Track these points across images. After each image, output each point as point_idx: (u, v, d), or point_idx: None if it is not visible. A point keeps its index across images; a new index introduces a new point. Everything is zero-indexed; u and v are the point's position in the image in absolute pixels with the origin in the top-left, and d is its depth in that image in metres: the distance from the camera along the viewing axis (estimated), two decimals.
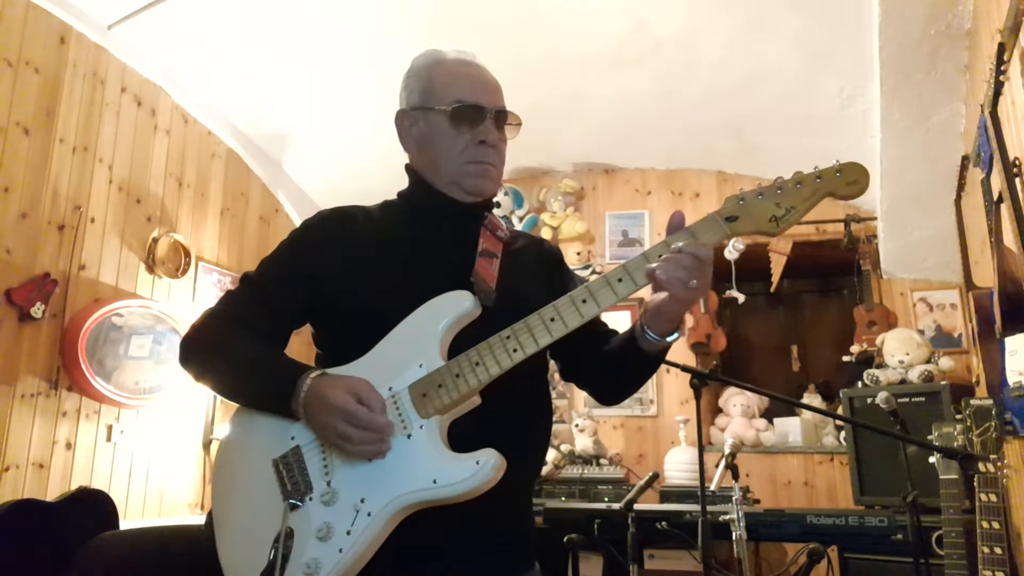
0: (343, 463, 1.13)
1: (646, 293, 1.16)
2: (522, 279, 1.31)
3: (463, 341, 1.16)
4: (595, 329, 1.33)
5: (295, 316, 1.31)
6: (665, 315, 1.18)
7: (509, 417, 1.19)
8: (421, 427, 1.11)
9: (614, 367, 1.34)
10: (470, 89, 1.30)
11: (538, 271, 1.38)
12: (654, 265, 1.11)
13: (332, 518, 1.10)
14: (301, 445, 1.16)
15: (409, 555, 1.13)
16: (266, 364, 1.21)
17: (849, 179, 1.10)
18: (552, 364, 1.42)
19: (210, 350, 1.25)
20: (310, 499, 1.13)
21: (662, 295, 1.15)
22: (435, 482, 1.07)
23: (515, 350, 1.12)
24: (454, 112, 1.27)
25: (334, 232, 1.30)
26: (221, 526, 1.21)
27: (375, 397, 1.11)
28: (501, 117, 1.31)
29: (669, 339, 1.21)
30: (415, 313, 1.18)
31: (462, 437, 1.13)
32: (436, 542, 1.14)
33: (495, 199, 1.38)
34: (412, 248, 1.29)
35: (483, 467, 1.06)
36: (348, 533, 1.08)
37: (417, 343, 1.16)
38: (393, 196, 1.40)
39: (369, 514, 1.08)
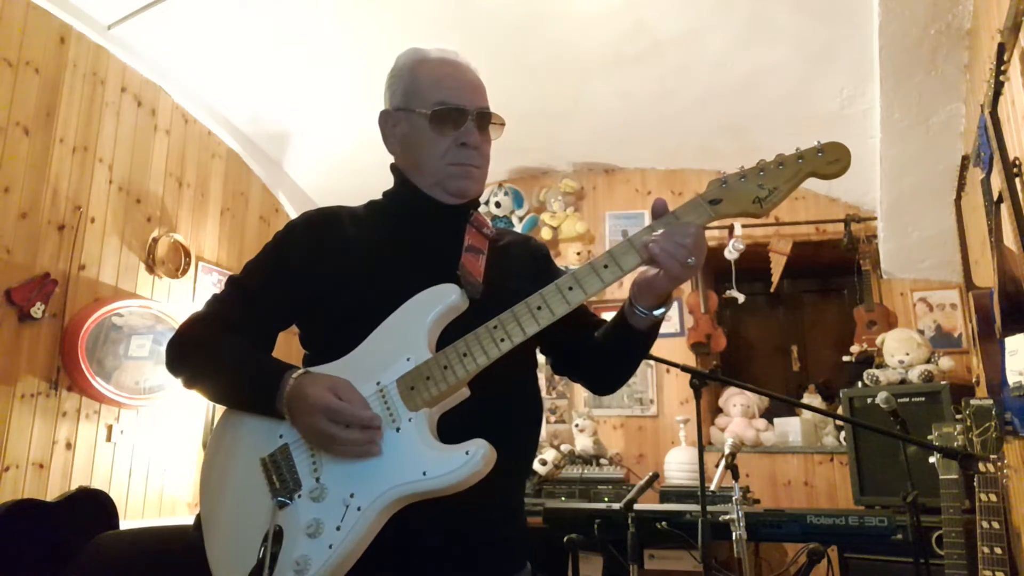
0: (332, 459, 1.12)
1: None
2: (509, 273, 1.31)
3: (452, 335, 1.15)
4: (584, 319, 1.33)
5: (281, 317, 1.30)
6: (655, 290, 1.17)
7: (499, 413, 1.19)
8: (410, 420, 1.11)
9: (606, 350, 1.33)
10: (452, 90, 1.28)
11: (525, 266, 1.38)
12: (650, 239, 1.10)
13: (321, 514, 1.09)
14: (289, 443, 1.16)
15: (400, 555, 1.12)
16: (249, 366, 1.20)
17: (831, 158, 1.10)
18: (542, 363, 1.41)
19: (195, 354, 1.25)
20: (299, 496, 1.12)
21: (652, 271, 1.14)
22: (424, 474, 1.06)
23: (502, 339, 1.11)
24: (435, 115, 1.27)
25: (319, 232, 1.29)
26: (209, 526, 1.20)
27: (355, 395, 1.11)
28: (484, 118, 1.30)
29: (657, 313, 1.20)
30: (402, 308, 1.18)
31: (453, 433, 1.12)
32: (428, 541, 1.13)
33: (481, 198, 1.38)
34: (398, 247, 1.29)
35: (472, 457, 1.05)
36: (338, 529, 1.07)
37: (404, 337, 1.16)
38: None
39: (359, 509, 1.08)
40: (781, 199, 1.11)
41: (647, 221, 4.65)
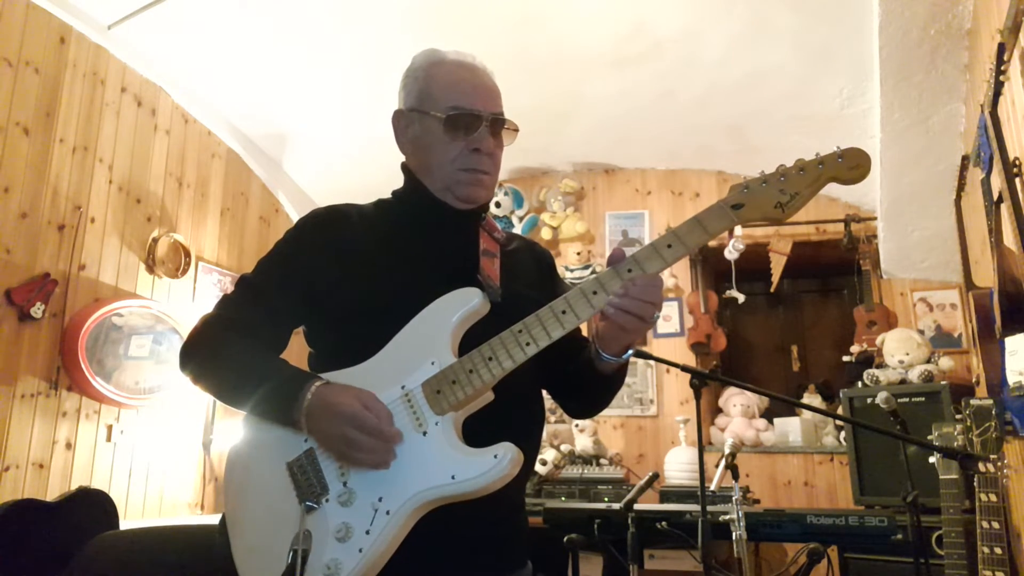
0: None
1: None
2: (520, 279, 1.32)
3: (468, 339, 1.16)
4: (571, 335, 1.32)
5: (294, 317, 1.30)
6: (620, 340, 1.18)
7: (509, 415, 1.19)
8: (436, 424, 1.11)
9: (577, 387, 1.35)
10: (467, 95, 1.28)
11: (532, 271, 1.39)
12: (613, 302, 1.11)
13: (350, 518, 1.09)
14: (315, 447, 1.15)
15: (400, 552, 1.11)
16: (266, 374, 1.19)
17: (851, 164, 1.11)
18: None
19: (209, 359, 1.24)
20: (326, 500, 1.12)
21: (612, 324, 1.14)
22: (453, 478, 1.07)
23: (528, 343, 1.12)
24: (449, 119, 1.26)
25: (330, 231, 1.29)
26: (236, 531, 1.20)
27: (381, 408, 1.11)
28: (497, 124, 1.29)
29: (625, 357, 1.21)
30: (424, 311, 1.17)
31: (464, 434, 1.12)
32: (428, 539, 1.13)
33: (491, 202, 1.37)
34: (412, 247, 1.29)
35: (501, 461, 1.06)
36: (367, 533, 1.08)
37: (428, 341, 1.16)
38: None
39: (388, 512, 1.08)
40: (802, 204, 1.13)
41: (647, 221, 4.73)
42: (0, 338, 2.85)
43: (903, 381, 3.61)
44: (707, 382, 2.12)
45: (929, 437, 2.32)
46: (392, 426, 1.11)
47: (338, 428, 1.09)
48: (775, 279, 4.41)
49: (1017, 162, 1.96)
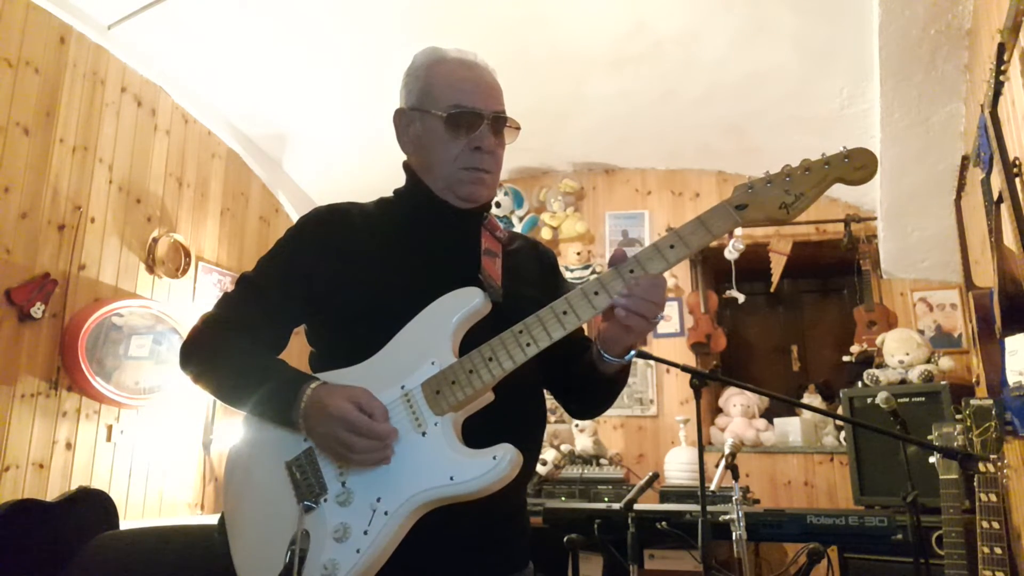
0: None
1: None
2: (521, 278, 1.32)
3: (469, 339, 1.16)
4: (574, 335, 1.32)
5: (295, 316, 1.30)
6: (623, 342, 1.18)
7: (510, 415, 1.19)
8: (436, 424, 1.11)
9: (579, 388, 1.35)
10: (468, 93, 1.27)
11: (535, 272, 1.39)
12: (619, 301, 1.11)
13: (348, 519, 1.09)
14: (314, 447, 1.16)
15: (400, 554, 1.11)
16: (265, 375, 1.19)
17: (857, 164, 1.10)
18: None
19: (209, 358, 1.24)
20: (325, 500, 1.12)
21: (618, 324, 1.14)
22: (452, 479, 1.07)
23: (528, 344, 1.11)
24: (450, 118, 1.26)
25: (332, 230, 1.29)
26: (235, 530, 1.20)
27: (376, 405, 1.10)
28: (499, 122, 1.29)
29: (627, 358, 1.21)
30: (425, 311, 1.17)
31: (465, 435, 1.12)
32: (429, 540, 1.13)
33: (493, 200, 1.37)
34: (414, 247, 1.28)
35: (500, 462, 1.06)
36: (365, 533, 1.07)
37: (428, 340, 1.15)
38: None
39: (386, 513, 1.08)
40: (807, 205, 1.12)
41: (647, 221, 4.73)
42: (0, 338, 2.86)
43: (903, 381, 3.61)
44: (707, 382, 2.12)
45: (929, 437, 2.32)
46: (387, 423, 1.10)
47: (332, 430, 1.09)
48: (775, 279, 4.41)
49: (1017, 162, 1.96)
